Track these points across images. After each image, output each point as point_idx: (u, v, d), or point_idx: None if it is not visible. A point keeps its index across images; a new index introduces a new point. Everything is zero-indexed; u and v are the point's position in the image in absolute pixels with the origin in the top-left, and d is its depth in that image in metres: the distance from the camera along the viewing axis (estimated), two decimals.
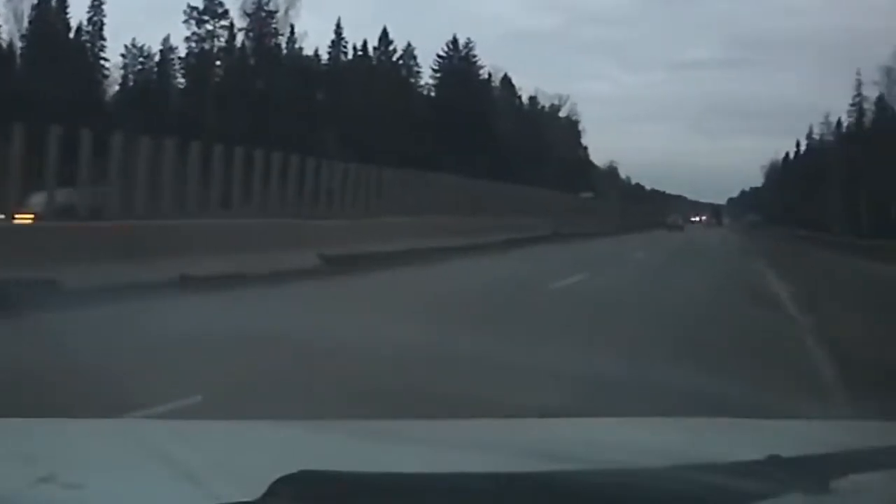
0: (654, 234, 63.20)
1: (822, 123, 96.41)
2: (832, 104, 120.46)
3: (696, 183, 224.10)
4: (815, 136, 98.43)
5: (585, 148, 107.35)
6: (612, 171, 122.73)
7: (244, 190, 23.23)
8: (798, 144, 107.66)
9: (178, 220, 18.47)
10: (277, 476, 1.43)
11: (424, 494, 1.50)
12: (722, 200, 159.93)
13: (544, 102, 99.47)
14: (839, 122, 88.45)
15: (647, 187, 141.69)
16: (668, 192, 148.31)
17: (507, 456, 2.00)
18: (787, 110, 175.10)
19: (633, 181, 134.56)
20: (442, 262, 22.14)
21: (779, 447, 1.72)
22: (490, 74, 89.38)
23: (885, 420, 3.38)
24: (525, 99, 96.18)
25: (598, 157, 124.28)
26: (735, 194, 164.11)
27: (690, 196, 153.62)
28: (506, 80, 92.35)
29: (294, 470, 1.44)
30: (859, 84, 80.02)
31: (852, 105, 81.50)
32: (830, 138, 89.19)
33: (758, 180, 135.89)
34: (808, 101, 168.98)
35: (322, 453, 2.00)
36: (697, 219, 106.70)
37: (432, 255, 23.28)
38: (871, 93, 79.81)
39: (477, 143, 71.65)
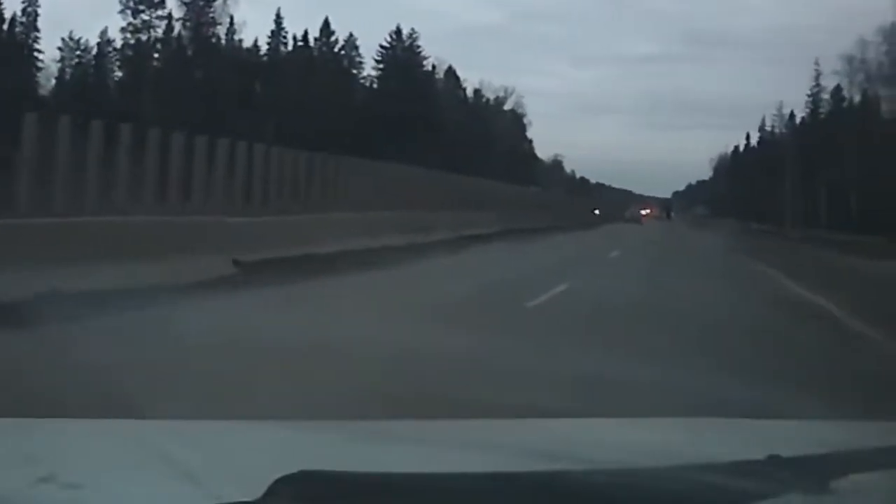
0: (610, 228, 60.76)
1: (775, 115, 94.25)
2: (783, 98, 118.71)
3: (642, 177, 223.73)
4: (768, 129, 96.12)
5: (531, 141, 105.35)
6: (556, 164, 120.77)
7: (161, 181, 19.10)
8: (748, 137, 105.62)
9: (56, 217, 14.45)
10: (277, 476, 1.42)
11: (424, 494, 1.48)
12: (667, 194, 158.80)
13: (489, 95, 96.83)
14: (792, 114, 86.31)
15: (592, 181, 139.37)
16: (613, 185, 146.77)
17: (507, 456, 1.99)
18: (735, 104, 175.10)
19: (578, 175, 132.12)
20: (385, 268, 18.06)
21: (779, 447, 1.73)
22: (434, 66, 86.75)
23: (885, 420, 3.28)
24: (470, 92, 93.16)
25: (543, 150, 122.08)
26: (681, 188, 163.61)
27: (636, 190, 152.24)
28: (450, 71, 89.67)
29: (294, 470, 1.43)
30: (818, 75, 77.57)
31: (810, 95, 79.01)
32: (784, 130, 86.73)
33: (705, 174, 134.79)
34: (757, 95, 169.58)
35: (322, 453, 1.99)
36: (646, 212, 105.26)
37: (373, 257, 19.38)
38: (830, 83, 77.13)
39: (421, 134, 70.02)
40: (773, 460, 1.66)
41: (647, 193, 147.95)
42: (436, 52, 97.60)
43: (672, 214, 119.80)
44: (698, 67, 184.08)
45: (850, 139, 63.16)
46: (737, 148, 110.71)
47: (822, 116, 77.67)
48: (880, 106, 65.21)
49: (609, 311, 13.20)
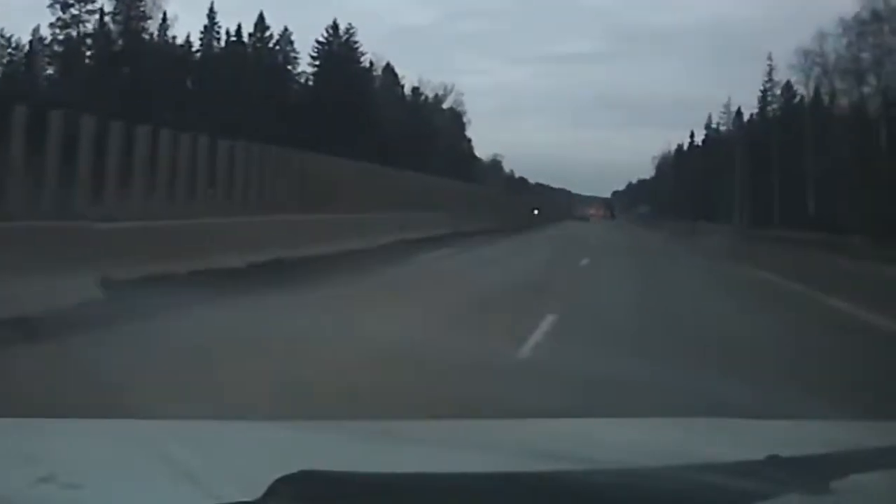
0: (560, 229, 58.16)
1: (723, 113, 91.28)
2: (731, 95, 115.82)
3: (582, 176, 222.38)
4: (715, 126, 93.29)
5: (469, 140, 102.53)
6: (496, 163, 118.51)
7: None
8: (693, 135, 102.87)
9: None
10: (277, 476, 1.41)
11: (424, 494, 1.48)
12: (607, 194, 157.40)
13: (428, 93, 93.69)
14: (739, 111, 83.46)
15: (532, 181, 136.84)
16: (552, 185, 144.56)
17: (507, 456, 2.00)
18: (680, 102, 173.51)
19: (518, 174, 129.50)
20: (309, 288, 14.02)
21: (779, 447, 1.73)
22: (372, 63, 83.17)
23: (885, 420, 3.32)
24: (408, 90, 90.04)
25: (482, 150, 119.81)
26: (622, 187, 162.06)
27: (576, 190, 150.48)
28: (388, 68, 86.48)
29: (294, 470, 1.43)
30: (770, 70, 74.77)
31: (763, 91, 75.96)
32: (731, 128, 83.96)
33: (647, 173, 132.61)
34: (703, 92, 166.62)
35: (322, 453, 1.98)
36: (593, 212, 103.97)
37: (297, 270, 15.68)
38: (784, 78, 74.63)
39: (358, 132, 68.10)
40: (773, 460, 1.64)
41: (587, 193, 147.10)
42: (373, 50, 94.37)
43: (615, 214, 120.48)
44: (640, 66, 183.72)
45: (804, 135, 60.21)
46: (681, 146, 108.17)
47: (773, 113, 74.63)
48: (835, 100, 62.25)
49: (632, 353, 9.33)
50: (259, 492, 1.38)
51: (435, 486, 1.49)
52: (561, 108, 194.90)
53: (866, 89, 55.99)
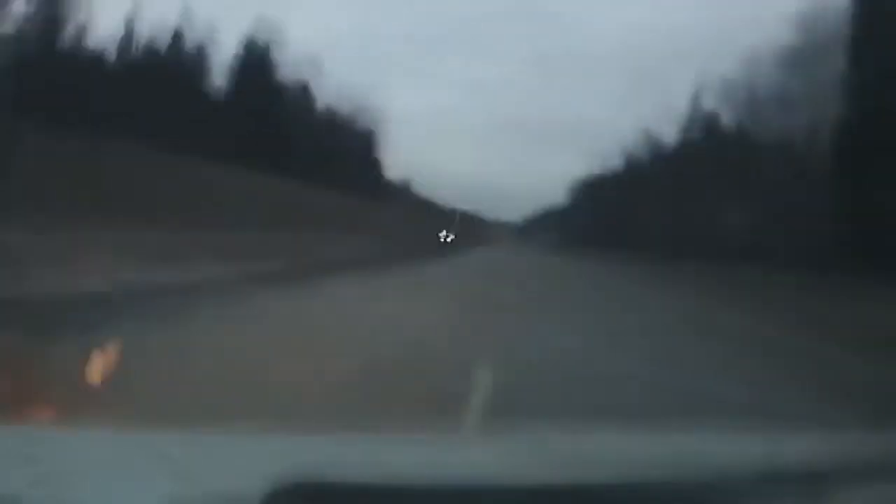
0: (482, 259, 53.29)
1: (643, 137, 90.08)
2: (642, 123, 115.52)
3: (494, 201, 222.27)
4: (636, 151, 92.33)
5: (379, 160, 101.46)
6: (406, 183, 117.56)
7: None
8: (611, 162, 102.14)
9: None
10: (277, 479, 1.45)
11: (422, 499, 1.50)
12: (519, 219, 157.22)
13: (343, 110, 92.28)
14: (657, 138, 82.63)
15: (443, 204, 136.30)
16: (465, 209, 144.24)
17: (507, 462, 1.98)
18: (599, 130, 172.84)
19: (430, 198, 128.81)
20: None
21: (777, 453, 1.84)
22: (286, 79, 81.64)
23: (883, 429, 3.09)
24: (322, 106, 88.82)
25: (395, 171, 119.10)
26: (536, 213, 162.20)
27: (489, 215, 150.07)
28: (303, 85, 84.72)
29: (293, 473, 1.48)
30: (697, 95, 73.34)
31: (695, 110, 74.43)
32: (647, 155, 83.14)
33: (562, 199, 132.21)
34: (618, 120, 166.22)
35: (321, 457, 1.96)
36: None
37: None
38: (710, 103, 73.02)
39: (270, 146, 64.43)
40: (772, 466, 1.67)
41: (500, 218, 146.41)
42: (289, 69, 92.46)
43: (516, 240, 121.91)
44: (558, 91, 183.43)
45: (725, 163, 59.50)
46: (598, 174, 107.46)
47: (696, 140, 73.91)
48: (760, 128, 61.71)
49: None
50: (259, 494, 1.41)
51: (432, 493, 1.50)
52: (476, 132, 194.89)
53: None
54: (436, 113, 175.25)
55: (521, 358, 12.73)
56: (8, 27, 65.50)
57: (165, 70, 73.09)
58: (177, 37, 75.92)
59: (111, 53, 72.98)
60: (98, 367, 7.86)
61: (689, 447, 2.32)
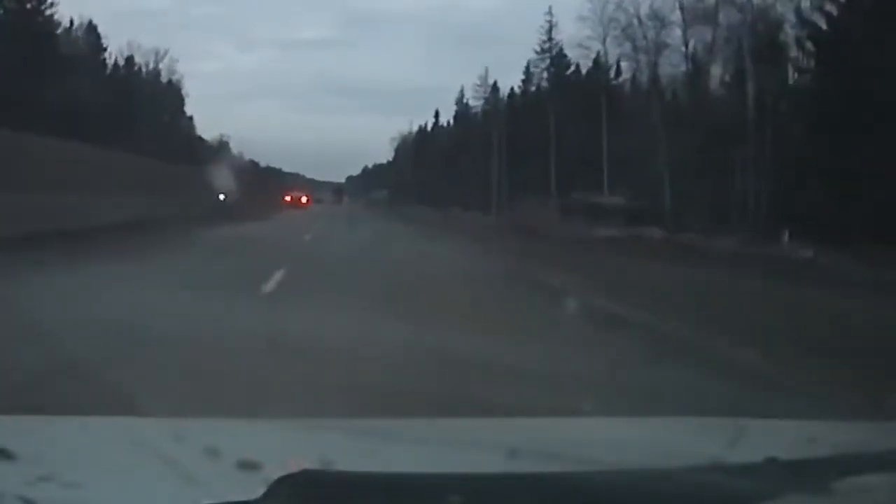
0: (291, 217, 53.45)
1: (478, 86, 79.64)
2: (468, 81, 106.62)
3: (316, 161, 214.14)
4: (466, 102, 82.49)
5: (191, 118, 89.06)
6: (222, 145, 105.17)
7: None
8: (438, 115, 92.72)
9: None
10: (277, 476, 1.40)
11: (424, 494, 1.46)
12: (342, 178, 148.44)
13: (139, 59, 78.99)
14: (496, 85, 72.40)
15: (262, 164, 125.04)
16: (284, 169, 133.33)
17: (507, 455, 1.90)
18: (420, 89, 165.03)
19: (247, 157, 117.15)
20: None
21: (779, 448, 1.71)
22: (72, 22, 68.77)
23: (886, 420, 3.31)
24: (121, 60, 75.76)
25: (210, 132, 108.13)
26: (357, 172, 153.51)
27: (310, 174, 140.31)
28: (91, 29, 71.71)
29: (294, 469, 1.42)
30: (550, 28, 62.99)
31: (544, 49, 64.40)
32: (487, 107, 72.83)
33: (386, 157, 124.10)
34: (444, 80, 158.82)
35: (322, 453, 1.84)
36: (305, 199, 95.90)
37: None
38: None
39: (50, 101, 53.78)
40: (773, 461, 1.61)
41: (320, 178, 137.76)
42: (82, 17, 79.02)
43: (346, 199, 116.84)
44: (377, 52, 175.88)
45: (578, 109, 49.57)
46: (423, 127, 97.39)
47: (543, 82, 63.74)
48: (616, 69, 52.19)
49: None
50: (259, 492, 1.36)
51: (434, 486, 1.46)
52: (295, 93, 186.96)
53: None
54: (256, 74, 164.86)
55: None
56: None
57: None
58: None
59: None
60: None
61: (690, 437, 2.29)
